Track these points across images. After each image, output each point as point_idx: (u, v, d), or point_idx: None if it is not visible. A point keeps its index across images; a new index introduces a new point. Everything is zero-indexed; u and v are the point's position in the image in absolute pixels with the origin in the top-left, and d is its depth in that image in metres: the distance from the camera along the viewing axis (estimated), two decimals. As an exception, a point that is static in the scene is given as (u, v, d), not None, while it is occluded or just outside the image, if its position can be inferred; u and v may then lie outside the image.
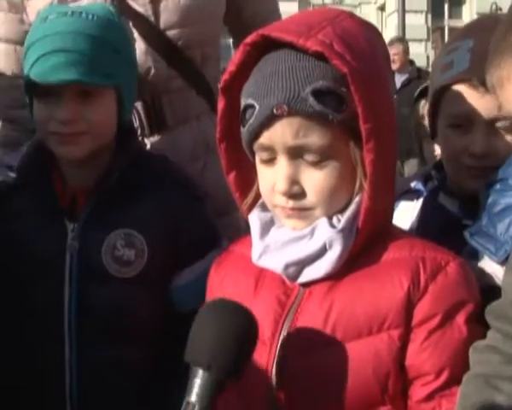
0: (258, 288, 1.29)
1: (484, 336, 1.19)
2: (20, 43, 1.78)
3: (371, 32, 1.29)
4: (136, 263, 1.51)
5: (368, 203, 1.20)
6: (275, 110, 1.16)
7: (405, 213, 1.64)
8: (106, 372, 1.50)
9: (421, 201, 1.66)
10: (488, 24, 1.45)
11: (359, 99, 1.15)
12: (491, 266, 1.29)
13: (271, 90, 1.17)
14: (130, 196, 1.54)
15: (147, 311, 1.54)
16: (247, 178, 1.31)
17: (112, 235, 1.51)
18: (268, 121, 1.18)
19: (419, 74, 7.11)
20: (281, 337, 1.22)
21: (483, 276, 1.29)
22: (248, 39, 1.22)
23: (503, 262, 1.25)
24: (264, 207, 1.29)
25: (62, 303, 1.50)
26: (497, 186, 1.33)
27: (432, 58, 19.53)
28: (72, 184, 1.56)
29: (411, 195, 1.69)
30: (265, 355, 1.22)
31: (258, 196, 1.31)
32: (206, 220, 1.63)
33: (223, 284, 1.35)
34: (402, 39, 8.24)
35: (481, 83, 1.39)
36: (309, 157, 1.19)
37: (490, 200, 1.33)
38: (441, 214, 1.56)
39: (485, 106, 1.44)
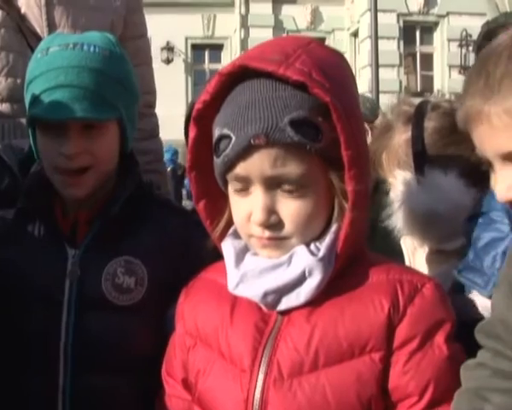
0: (235, 315, 1.28)
1: (462, 354, 1.20)
2: None
3: (340, 59, 1.29)
4: (136, 291, 1.51)
5: (348, 230, 1.20)
6: (252, 141, 1.15)
7: None
8: (99, 401, 1.48)
9: None
10: None
11: (341, 128, 1.15)
12: (479, 300, 1.29)
13: (248, 120, 1.15)
14: (132, 225, 1.54)
15: (143, 340, 1.52)
16: (217, 207, 1.30)
17: (113, 262, 1.51)
18: (245, 152, 1.16)
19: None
20: (261, 364, 1.21)
21: (470, 309, 1.29)
22: (225, 70, 1.21)
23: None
24: (237, 235, 1.28)
25: (59, 328, 1.48)
26: (480, 220, 1.33)
27: (404, 83, 19.82)
28: (74, 210, 1.55)
29: None
30: (246, 383, 1.21)
31: (228, 223, 1.30)
32: (207, 250, 1.61)
33: (196, 311, 1.34)
34: None
35: None
36: (286, 187, 1.18)
37: (474, 234, 1.32)
38: None
39: None
